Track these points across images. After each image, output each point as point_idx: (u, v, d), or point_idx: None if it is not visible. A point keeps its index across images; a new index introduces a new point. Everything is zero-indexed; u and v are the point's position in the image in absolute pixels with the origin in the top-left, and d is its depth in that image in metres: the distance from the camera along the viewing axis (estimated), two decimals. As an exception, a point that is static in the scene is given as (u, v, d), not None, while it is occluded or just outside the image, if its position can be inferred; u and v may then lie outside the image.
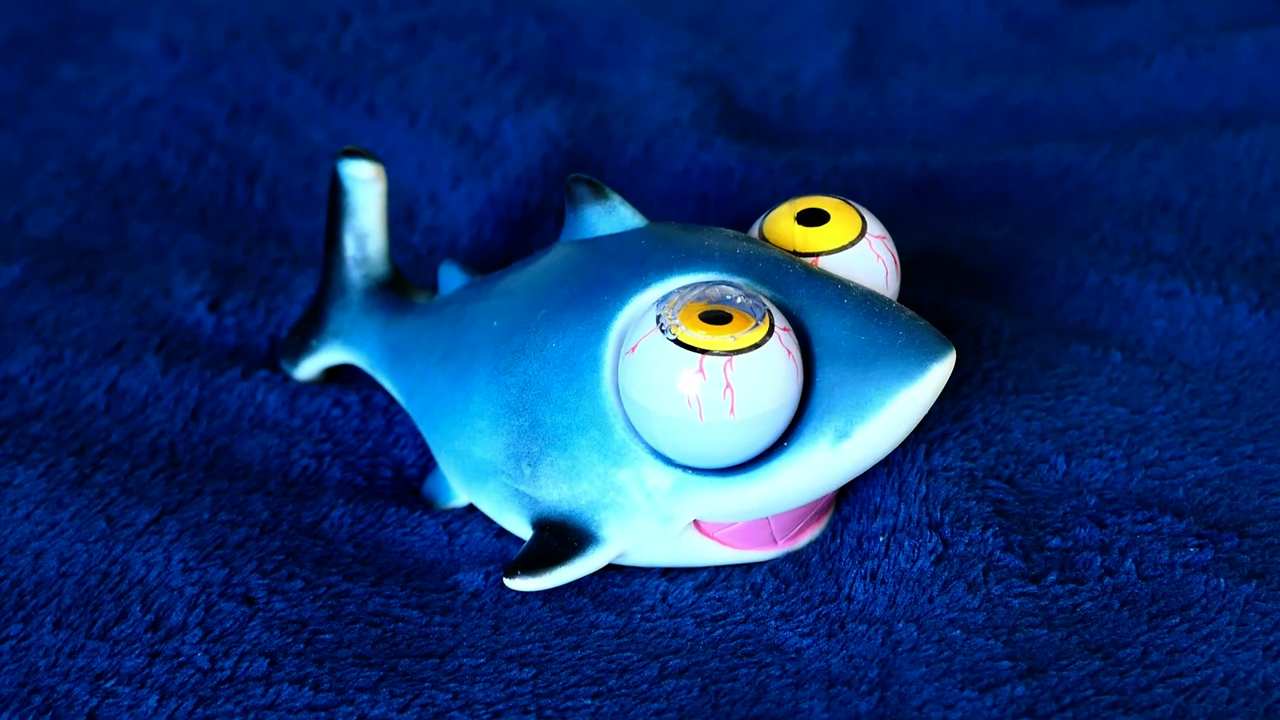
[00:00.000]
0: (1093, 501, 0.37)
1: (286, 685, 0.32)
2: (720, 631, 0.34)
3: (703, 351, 0.31)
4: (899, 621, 0.34)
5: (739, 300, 0.33)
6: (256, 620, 0.34)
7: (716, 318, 0.32)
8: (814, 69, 0.60)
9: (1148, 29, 0.61)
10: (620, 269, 0.35)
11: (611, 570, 0.35)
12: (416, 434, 0.40)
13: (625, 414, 0.33)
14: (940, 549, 0.35)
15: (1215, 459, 0.38)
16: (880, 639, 0.33)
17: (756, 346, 0.31)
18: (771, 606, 0.35)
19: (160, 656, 0.33)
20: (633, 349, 0.32)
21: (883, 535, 0.36)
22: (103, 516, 0.36)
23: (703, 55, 0.60)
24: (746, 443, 0.32)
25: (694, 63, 0.59)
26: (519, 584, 0.34)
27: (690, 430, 0.32)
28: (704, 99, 0.56)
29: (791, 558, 0.36)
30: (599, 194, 0.37)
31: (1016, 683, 0.32)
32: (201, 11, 0.58)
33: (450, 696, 0.32)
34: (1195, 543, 0.35)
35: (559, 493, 0.34)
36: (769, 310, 0.32)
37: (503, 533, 0.37)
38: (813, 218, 0.36)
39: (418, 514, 0.38)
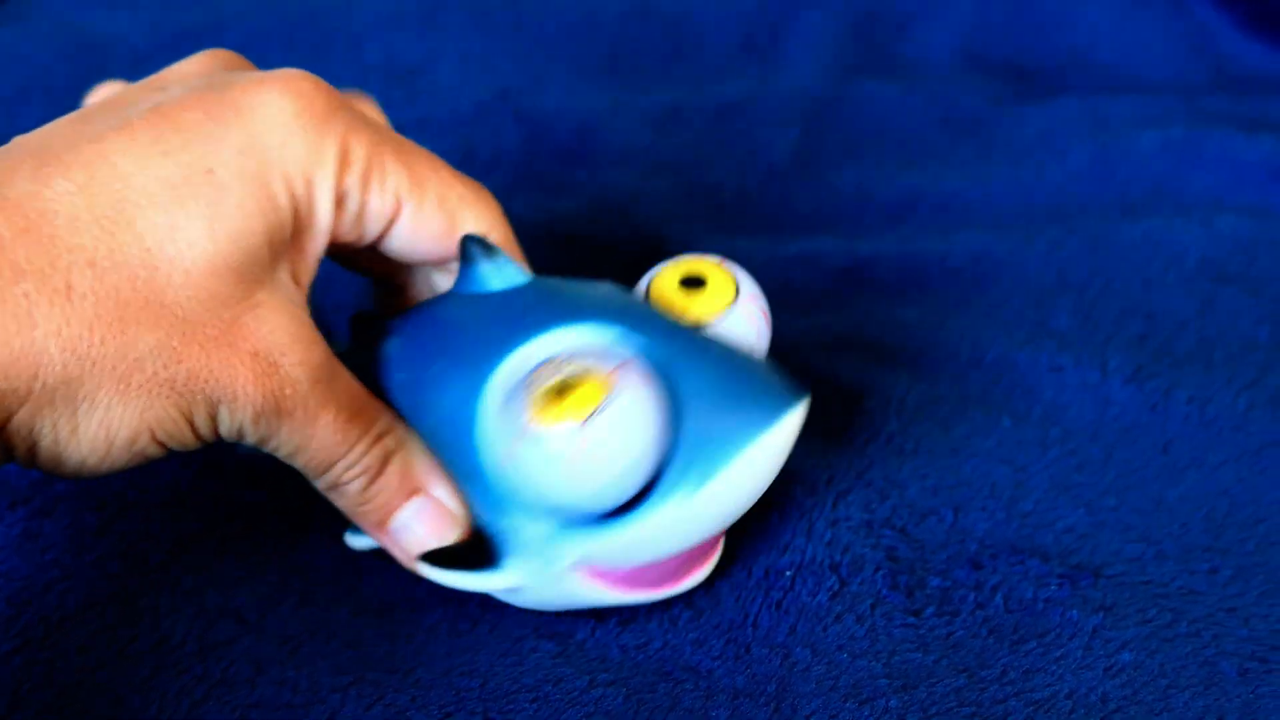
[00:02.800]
0: (973, 548, 0.42)
1: (270, 687, 0.38)
2: (642, 656, 0.40)
3: (558, 423, 0.34)
4: (796, 646, 0.39)
5: (586, 365, 0.35)
6: (249, 636, 0.40)
7: (564, 388, 0.34)
8: (763, 164, 0.66)
9: (1066, 126, 0.67)
10: (500, 326, 0.38)
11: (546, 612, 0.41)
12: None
13: (504, 472, 0.36)
14: (837, 587, 0.41)
15: (1083, 510, 0.44)
16: (779, 661, 0.39)
17: (599, 411, 0.34)
18: (687, 634, 0.40)
19: (162, 668, 0.39)
20: (510, 444, 0.35)
21: (789, 570, 0.41)
22: (119, 559, 0.42)
23: (664, 150, 0.66)
24: (609, 494, 0.35)
25: (656, 157, 0.66)
26: (425, 570, 0.38)
27: (556, 488, 0.35)
28: (663, 191, 0.62)
29: (706, 589, 0.41)
30: (489, 252, 0.39)
31: (891, 696, 0.37)
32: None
33: (409, 699, 0.38)
34: (1057, 581, 0.41)
35: (475, 518, 0.38)
36: (618, 368, 0.35)
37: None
38: (692, 284, 0.40)
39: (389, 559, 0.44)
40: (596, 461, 0.34)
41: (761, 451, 0.35)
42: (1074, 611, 0.40)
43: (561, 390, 0.34)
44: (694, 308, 0.39)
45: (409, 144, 0.40)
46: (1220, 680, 0.38)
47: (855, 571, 0.41)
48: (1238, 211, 0.58)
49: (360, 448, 0.37)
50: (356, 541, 0.40)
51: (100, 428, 0.33)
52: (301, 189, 0.36)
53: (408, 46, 0.72)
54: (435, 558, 0.38)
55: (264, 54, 0.64)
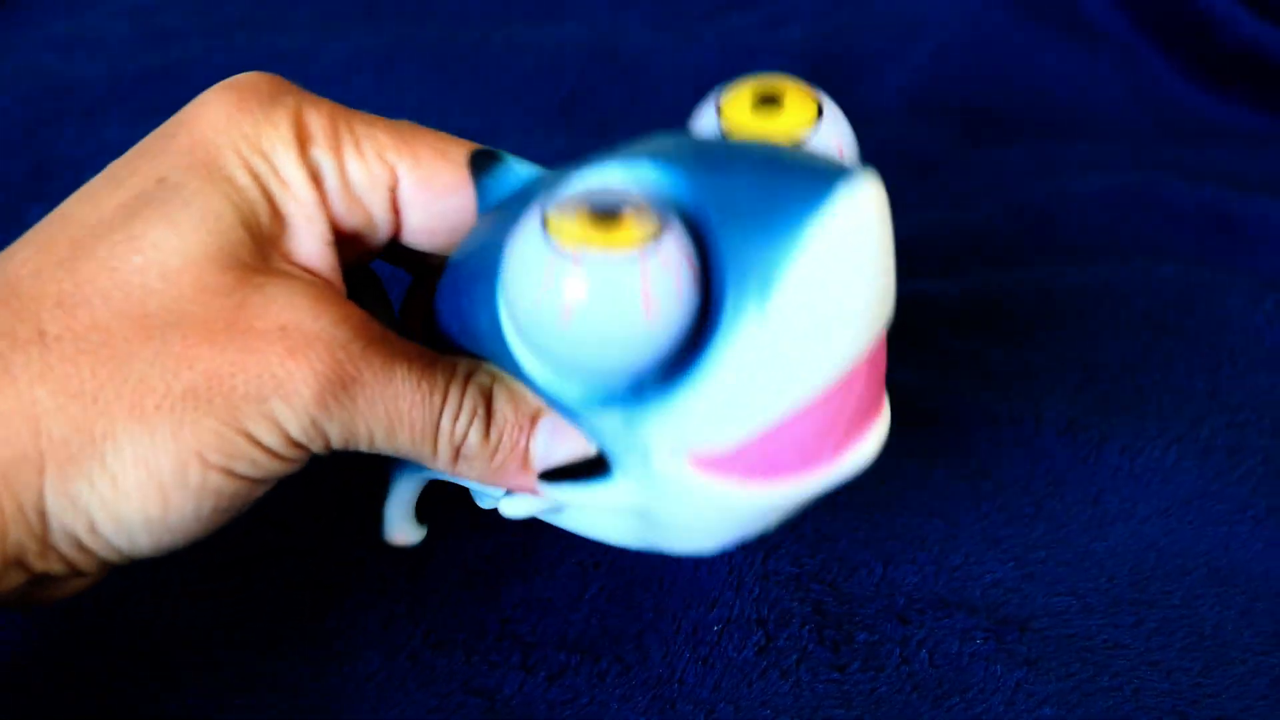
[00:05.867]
0: (901, 602, 0.43)
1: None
2: (569, 712, 0.40)
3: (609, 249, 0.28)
4: (720, 702, 0.40)
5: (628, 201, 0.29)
6: (182, 685, 0.40)
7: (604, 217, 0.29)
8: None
9: (1014, 171, 0.68)
10: (507, 221, 0.32)
11: (478, 659, 0.41)
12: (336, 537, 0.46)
13: (539, 338, 0.30)
14: (764, 642, 0.41)
15: (1011, 563, 0.44)
16: (702, 717, 0.39)
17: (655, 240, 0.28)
18: (614, 690, 0.40)
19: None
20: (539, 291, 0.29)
21: (717, 625, 0.42)
22: (55, 613, 0.42)
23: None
24: (665, 333, 0.29)
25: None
26: (546, 490, 0.35)
27: (610, 332, 0.29)
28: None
29: (636, 644, 0.42)
30: (493, 159, 0.36)
31: (810, 753, 0.38)
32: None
33: (333, 753, 0.38)
34: (982, 635, 0.41)
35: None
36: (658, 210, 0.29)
37: (390, 622, 0.43)
38: (768, 102, 0.34)
39: (331, 609, 0.44)
40: (657, 289, 0.28)
41: (821, 245, 0.28)
42: (998, 666, 0.40)
43: (594, 222, 0.28)
44: (771, 129, 0.33)
45: (385, 119, 0.37)
46: (1138, 735, 0.38)
47: (782, 626, 0.41)
48: (1177, 260, 0.59)
49: (455, 391, 0.34)
50: (512, 507, 0.36)
51: (138, 467, 0.31)
52: (261, 164, 0.34)
53: (366, 92, 0.73)
54: (548, 475, 0.34)
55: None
